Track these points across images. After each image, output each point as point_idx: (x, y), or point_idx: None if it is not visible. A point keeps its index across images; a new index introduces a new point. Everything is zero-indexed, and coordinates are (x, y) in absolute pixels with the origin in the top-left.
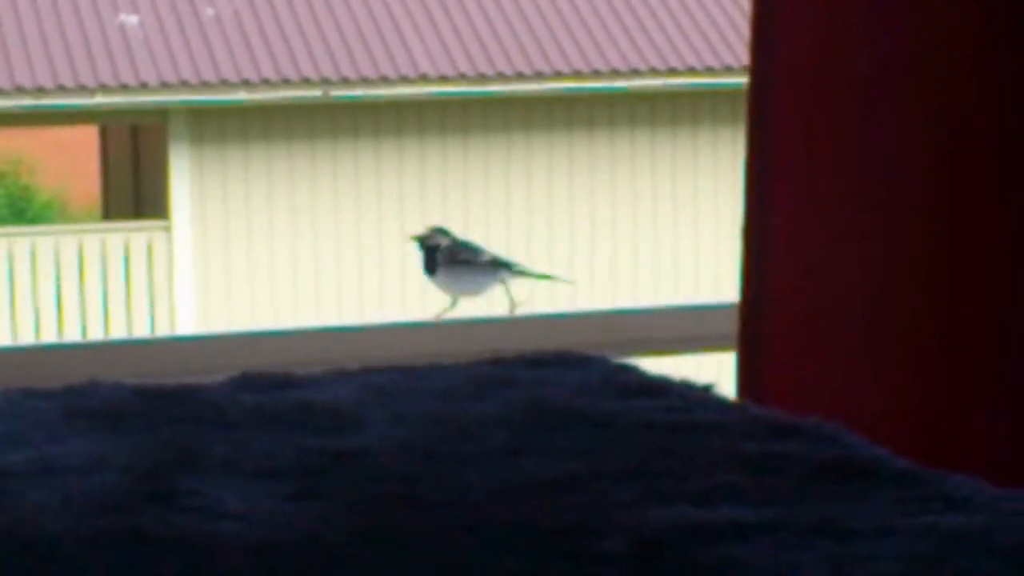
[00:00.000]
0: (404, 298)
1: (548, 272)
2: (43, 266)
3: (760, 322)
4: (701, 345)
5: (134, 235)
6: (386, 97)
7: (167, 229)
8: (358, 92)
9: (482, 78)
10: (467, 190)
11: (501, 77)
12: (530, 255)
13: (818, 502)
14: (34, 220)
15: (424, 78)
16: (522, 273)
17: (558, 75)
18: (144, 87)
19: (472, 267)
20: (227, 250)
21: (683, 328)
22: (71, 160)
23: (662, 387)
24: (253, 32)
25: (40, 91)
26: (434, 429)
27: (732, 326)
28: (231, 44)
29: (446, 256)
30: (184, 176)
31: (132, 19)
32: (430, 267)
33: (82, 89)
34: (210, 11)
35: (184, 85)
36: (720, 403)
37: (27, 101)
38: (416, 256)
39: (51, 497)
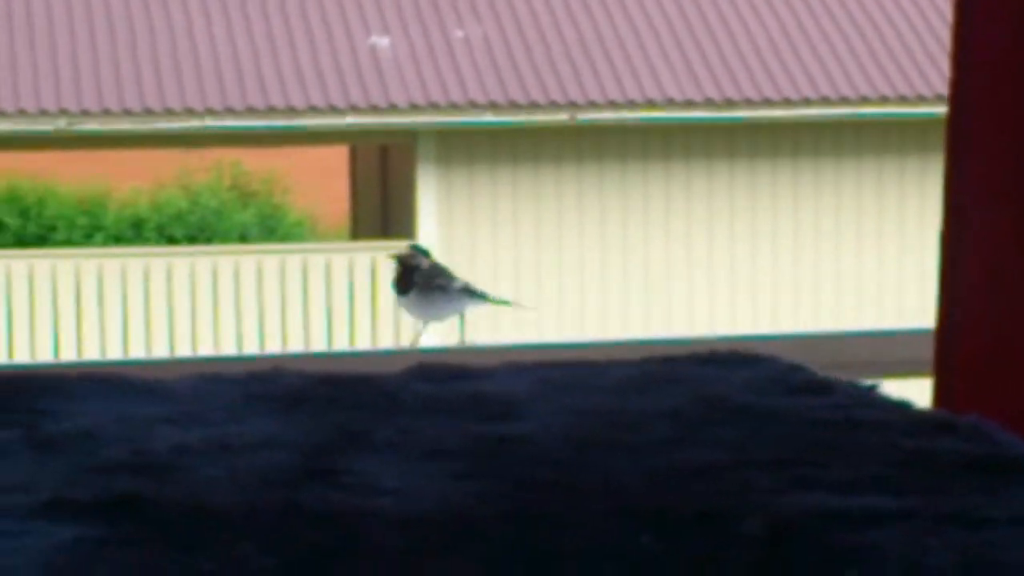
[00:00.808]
0: (647, 315)
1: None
2: (291, 282)
3: (955, 348)
4: (896, 370)
5: (380, 254)
6: (632, 121)
7: None
8: (604, 116)
9: (728, 103)
10: (711, 213)
11: (748, 103)
12: (775, 279)
13: (959, 494)
14: (284, 238)
15: (671, 103)
16: (487, 300)
17: (806, 101)
18: (394, 108)
19: (446, 293)
20: (472, 269)
21: (878, 352)
22: (322, 179)
23: (829, 386)
24: (502, 55)
25: (292, 111)
26: (597, 420)
27: (929, 351)
28: (479, 67)
29: (424, 279)
30: (431, 196)
31: (383, 41)
32: (404, 288)
33: (333, 110)
34: (460, 33)
35: (433, 107)
36: (883, 402)
37: (279, 121)
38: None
39: (222, 472)
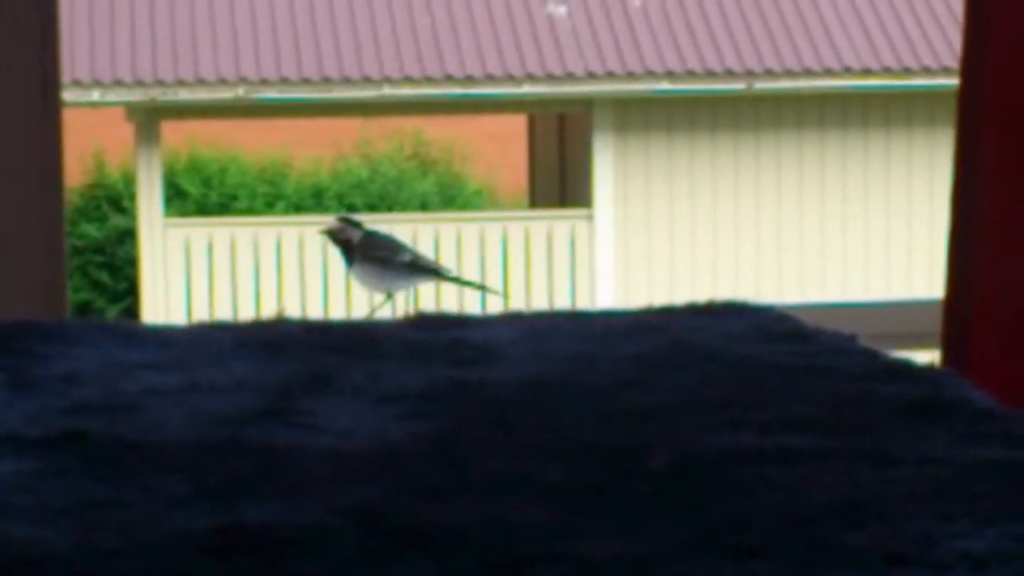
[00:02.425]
0: (823, 282)
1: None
2: (468, 251)
3: (965, 320)
4: (904, 342)
5: (557, 223)
6: (809, 89)
7: (590, 218)
8: (782, 85)
9: (906, 72)
10: (889, 183)
11: (926, 71)
12: (931, 251)
13: (884, 434)
14: (464, 207)
15: (848, 71)
16: (446, 278)
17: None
18: (571, 77)
19: (386, 266)
20: (648, 239)
21: (888, 324)
22: (501, 149)
23: (808, 335)
24: (679, 23)
25: (469, 80)
26: (567, 366)
27: (937, 323)
28: (656, 35)
29: (362, 251)
30: (608, 166)
31: (560, 10)
32: (348, 260)
33: (510, 78)
34: (637, 2)
35: (610, 76)
36: (855, 350)
37: (457, 90)
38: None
39: (181, 412)
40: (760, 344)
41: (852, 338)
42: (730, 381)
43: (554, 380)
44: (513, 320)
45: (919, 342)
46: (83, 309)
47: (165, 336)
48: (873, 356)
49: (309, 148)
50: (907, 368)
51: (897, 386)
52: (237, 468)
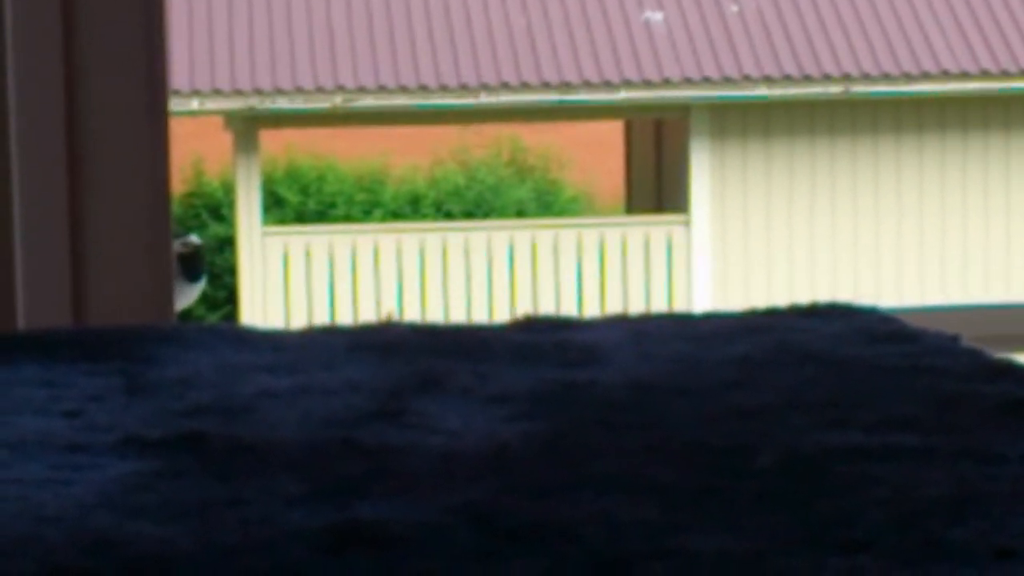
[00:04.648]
0: (922, 287)
1: None
2: (565, 258)
3: None
4: (1003, 344)
5: (654, 229)
6: (907, 93)
7: (686, 223)
8: (879, 88)
9: (1004, 75)
10: (987, 186)
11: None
12: None
13: (987, 432)
14: (560, 214)
15: (945, 74)
16: None
17: None
18: (667, 83)
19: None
20: (745, 245)
21: (987, 326)
22: (598, 155)
23: (911, 336)
24: (775, 28)
25: (565, 86)
26: (672, 367)
27: None
28: (753, 40)
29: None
30: (704, 171)
31: (657, 16)
32: (196, 275)
33: (607, 84)
34: (734, 7)
35: (706, 81)
36: (958, 350)
37: (553, 96)
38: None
39: (295, 414)
40: (864, 345)
41: (955, 338)
42: (835, 381)
43: (660, 381)
44: (618, 322)
45: (1019, 344)
46: (183, 317)
47: (277, 340)
48: (976, 356)
49: (406, 155)
50: (1010, 367)
51: (1000, 385)
52: (351, 468)
